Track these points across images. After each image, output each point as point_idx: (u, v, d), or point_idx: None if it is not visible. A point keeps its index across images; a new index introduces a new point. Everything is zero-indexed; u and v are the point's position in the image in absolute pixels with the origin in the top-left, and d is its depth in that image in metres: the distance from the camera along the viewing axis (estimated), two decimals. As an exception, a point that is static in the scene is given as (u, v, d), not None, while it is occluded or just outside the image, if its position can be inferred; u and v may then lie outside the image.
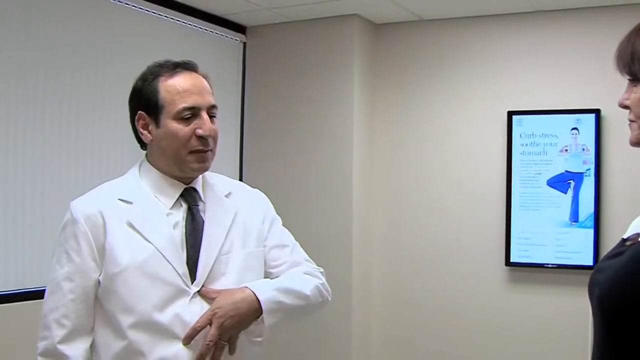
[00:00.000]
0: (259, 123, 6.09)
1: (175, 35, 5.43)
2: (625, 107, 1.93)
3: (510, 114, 5.47)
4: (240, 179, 5.90)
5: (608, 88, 5.03)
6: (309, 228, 5.76)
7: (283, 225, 2.98)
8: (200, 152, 2.53)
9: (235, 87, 6.06)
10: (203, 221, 2.59)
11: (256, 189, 2.89)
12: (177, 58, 2.62)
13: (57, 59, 4.60)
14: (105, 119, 4.89)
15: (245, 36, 6.13)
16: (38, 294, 4.06)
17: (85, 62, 4.78)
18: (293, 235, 2.77)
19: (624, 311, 1.78)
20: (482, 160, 5.60)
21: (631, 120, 1.93)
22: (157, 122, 2.53)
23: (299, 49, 5.95)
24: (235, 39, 6.06)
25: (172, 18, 5.37)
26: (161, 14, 5.28)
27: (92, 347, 2.48)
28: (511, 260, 5.45)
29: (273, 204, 2.91)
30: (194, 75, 2.58)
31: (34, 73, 4.47)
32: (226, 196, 2.71)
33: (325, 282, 2.88)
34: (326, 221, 5.77)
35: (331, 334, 5.69)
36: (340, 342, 5.69)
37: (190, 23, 5.55)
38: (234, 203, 2.71)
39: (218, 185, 2.73)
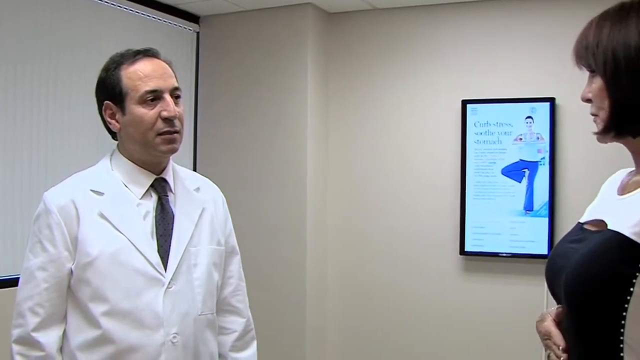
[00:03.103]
0: (213, 113, 6.04)
1: (126, 25, 5.36)
2: (588, 100, 1.92)
3: (465, 103, 5.45)
4: (194, 170, 5.86)
5: (563, 77, 5.04)
6: (263, 219, 5.76)
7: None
8: (168, 133, 2.58)
9: (188, 77, 5.98)
10: (173, 212, 2.66)
11: (216, 186, 2.97)
12: (131, 47, 2.69)
13: (7, 50, 4.57)
14: (57, 109, 4.88)
15: (199, 26, 6.08)
16: (9, 282, 4.17)
17: (37, 52, 4.75)
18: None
19: (591, 296, 1.78)
20: (436, 149, 5.58)
21: (594, 115, 1.92)
22: (123, 110, 2.58)
23: (252, 39, 5.90)
24: (189, 29, 6.00)
25: (123, 7, 5.30)
26: (113, 3, 5.22)
27: (63, 334, 2.54)
28: (466, 249, 5.44)
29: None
30: (155, 60, 2.64)
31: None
32: (195, 190, 2.80)
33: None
34: (281, 212, 5.74)
35: (286, 323, 5.67)
36: (295, 332, 5.68)
37: (142, 12, 5.47)
38: (202, 199, 2.80)
39: (188, 178, 2.83)
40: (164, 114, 2.55)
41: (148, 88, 2.54)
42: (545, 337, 1.98)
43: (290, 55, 5.75)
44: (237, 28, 5.96)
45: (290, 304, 5.67)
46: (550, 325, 1.97)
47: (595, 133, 1.92)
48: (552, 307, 2.00)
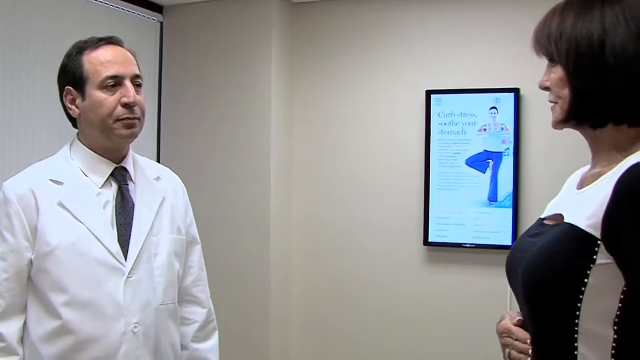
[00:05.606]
0: (177, 104, 5.99)
1: (88, 14, 5.26)
2: (546, 88, 1.95)
3: (429, 93, 5.44)
4: (158, 162, 5.82)
5: (528, 67, 4.96)
6: (227, 209, 5.74)
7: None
8: (128, 119, 2.61)
9: (152, 68, 5.91)
10: (133, 201, 2.64)
11: (177, 175, 2.99)
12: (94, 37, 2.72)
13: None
14: (22, 99, 4.82)
15: (163, 16, 6.01)
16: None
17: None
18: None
19: (547, 288, 1.81)
20: (401, 140, 5.57)
21: (552, 102, 1.95)
22: (83, 95, 2.61)
23: (216, 29, 5.86)
24: (152, 19, 5.92)
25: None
26: (73, -9, 5.16)
27: (24, 325, 2.55)
28: (429, 240, 5.43)
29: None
30: (118, 48, 2.70)
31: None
32: (155, 180, 2.81)
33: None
34: (244, 202, 5.71)
35: (250, 315, 5.66)
36: (259, 323, 5.66)
37: (105, 2, 5.40)
38: (162, 188, 2.81)
39: (148, 168, 2.84)
40: (124, 100, 2.57)
41: (109, 73, 2.58)
42: (505, 334, 2.00)
43: (254, 46, 5.72)
44: (201, 18, 5.91)
45: (254, 295, 5.65)
46: (508, 323, 2.00)
47: (554, 122, 1.94)
48: (514, 298, 2.01)
